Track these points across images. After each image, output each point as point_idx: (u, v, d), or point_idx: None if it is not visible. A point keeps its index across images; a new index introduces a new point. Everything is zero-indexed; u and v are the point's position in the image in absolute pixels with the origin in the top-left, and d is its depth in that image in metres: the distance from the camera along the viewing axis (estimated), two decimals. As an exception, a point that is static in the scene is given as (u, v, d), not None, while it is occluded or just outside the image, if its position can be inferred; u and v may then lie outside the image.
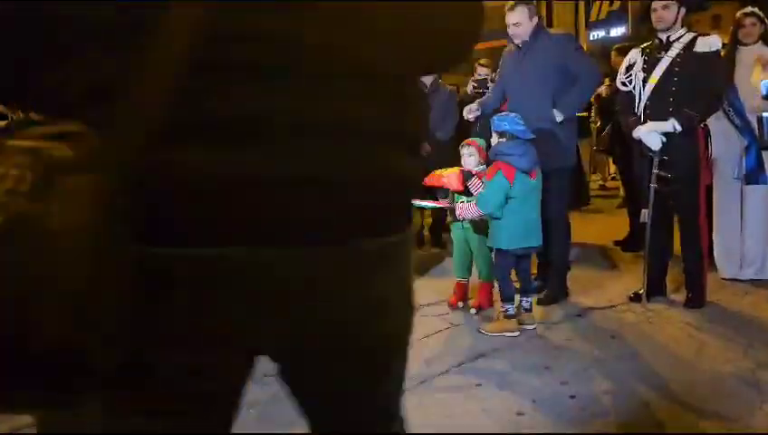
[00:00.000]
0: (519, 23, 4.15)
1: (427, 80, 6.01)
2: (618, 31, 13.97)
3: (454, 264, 4.49)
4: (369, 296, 0.91)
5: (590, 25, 15.48)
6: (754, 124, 4.34)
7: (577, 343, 3.64)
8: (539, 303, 4.22)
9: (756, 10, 4.57)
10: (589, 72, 4.18)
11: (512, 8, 4.18)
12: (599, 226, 5.49)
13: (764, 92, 3.13)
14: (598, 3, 15.85)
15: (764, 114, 2.71)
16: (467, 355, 3.56)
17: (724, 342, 3.52)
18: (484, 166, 4.05)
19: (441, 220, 6.01)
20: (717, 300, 4.20)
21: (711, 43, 3.92)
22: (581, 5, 17.81)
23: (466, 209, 3.93)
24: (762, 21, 4.49)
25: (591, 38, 15.42)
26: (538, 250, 4.00)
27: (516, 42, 4.26)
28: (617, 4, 15.26)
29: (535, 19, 4.20)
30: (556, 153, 4.11)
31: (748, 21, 4.51)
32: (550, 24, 21.89)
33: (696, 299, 4.09)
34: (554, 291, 4.33)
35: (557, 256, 4.39)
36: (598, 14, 15.69)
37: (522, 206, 3.76)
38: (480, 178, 3.98)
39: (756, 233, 4.57)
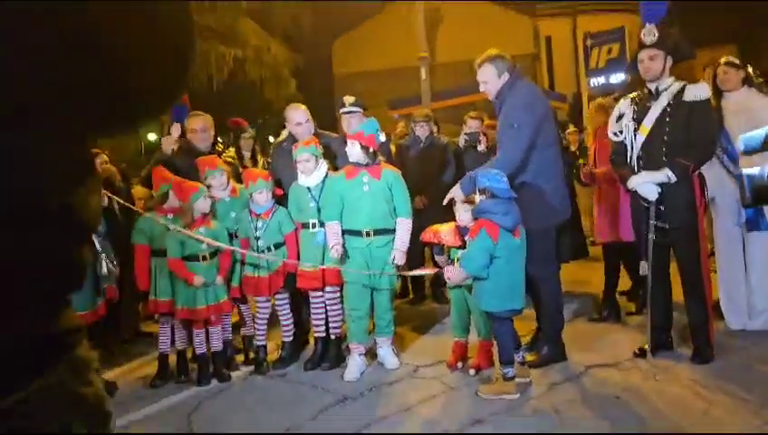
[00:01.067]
0: (486, 81, 4.14)
1: (423, 132, 6.04)
2: (617, 78, 14.07)
3: (452, 323, 4.37)
4: None
5: (590, 73, 15.64)
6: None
7: (579, 406, 3.48)
8: (534, 365, 4.06)
9: (731, 59, 4.58)
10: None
11: (479, 65, 4.17)
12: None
13: (743, 147, 3.03)
14: (596, 50, 16.07)
15: (744, 171, 2.61)
16: (465, 421, 3.41)
17: (733, 400, 3.34)
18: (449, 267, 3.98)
19: (441, 275, 5.90)
20: (726, 353, 4.03)
21: (700, 91, 3.88)
22: (581, 54, 18.12)
23: (454, 273, 3.82)
24: (739, 67, 4.49)
25: (592, 85, 15.58)
26: (520, 313, 3.86)
27: (490, 99, 4.25)
28: (615, 52, 15.43)
29: (505, 76, 4.11)
30: (539, 210, 4.00)
31: (721, 70, 4.54)
32: (551, 73, 22.33)
33: (702, 354, 3.92)
34: (549, 353, 4.17)
35: (547, 318, 4.23)
36: (597, 62, 15.85)
37: (506, 265, 3.65)
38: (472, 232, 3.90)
39: (763, 281, 4.42)
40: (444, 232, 4.06)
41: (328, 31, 21.78)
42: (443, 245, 4.10)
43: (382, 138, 4.48)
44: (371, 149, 4.31)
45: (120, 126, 0.77)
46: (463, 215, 4.06)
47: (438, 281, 6.17)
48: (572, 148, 8.39)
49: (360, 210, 4.26)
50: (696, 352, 3.96)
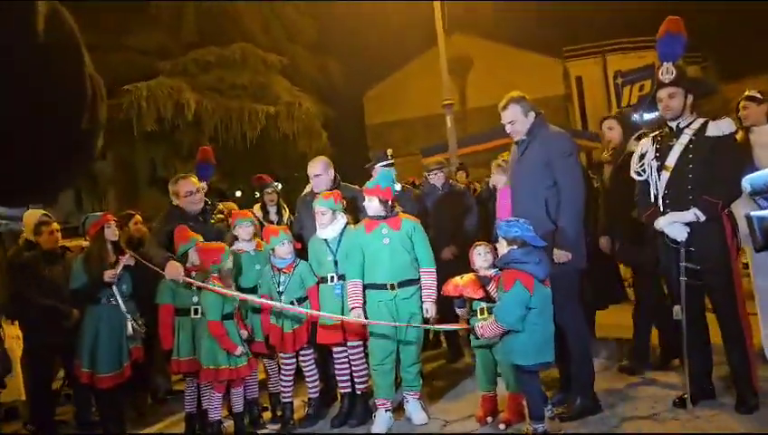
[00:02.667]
0: (513, 120, 4.09)
1: (438, 181, 5.95)
2: (650, 115, 13.86)
3: (478, 377, 4.23)
4: None
5: (623, 111, 15.50)
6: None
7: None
8: (567, 419, 3.87)
9: (753, 93, 4.47)
10: (570, 187, 3.91)
11: (504, 107, 4.13)
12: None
13: (749, 189, 2.87)
14: (628, 88, 15.96)
15: (753, 214, 2.46)
16: (492, 481, 3.25)
17: (782, 454, 3.11)
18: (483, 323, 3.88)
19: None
20: (773, 401, 3.77)
21: (723, 126, 3.74)
22: (612, 92, 18.01)
23: (488, 328, 3.66)
24: (762, 101, 4.38)
25: (625, 123, 15.38)
26: (551, 365, 3.71)
27: (515, 139, 4.18)
28: (647, 89, 15.31)
29: (531, 115, 4.09)
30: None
31: (741, 105, 4.46)
32: (583, 113, 22.19)
33: (747, 402, 3.68)
34: (582, 405, 3.95)
35: (576, 366, 4.01)
36: (629, 99, 15.73)
37: (539, 317, 3.52)
38: (496, 282, 3.80)
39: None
40: (464, 284, 3.96)
41: (358, 83, 22.23)
42: (464, 298, 4.00)
43: (398, 187, 4.48)
44: (389, 202, 4.30)
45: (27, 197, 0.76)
46: (480, 263, 3.98)
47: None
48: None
49: (382, 263, 4.20)
50: (740, 401, 3.72)
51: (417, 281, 4.29)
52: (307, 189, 5.21)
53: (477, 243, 4.17)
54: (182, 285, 4.39)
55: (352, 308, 4.22)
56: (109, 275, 4.40)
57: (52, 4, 0.69)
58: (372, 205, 4.27)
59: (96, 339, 4.34)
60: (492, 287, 3.82)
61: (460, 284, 3.98)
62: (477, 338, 3.86)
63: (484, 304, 4.03)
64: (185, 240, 4.46)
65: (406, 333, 4.25)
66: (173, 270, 4.28)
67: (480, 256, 4.05)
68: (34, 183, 0.74)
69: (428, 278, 4.27)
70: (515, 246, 3.60)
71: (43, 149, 0.68)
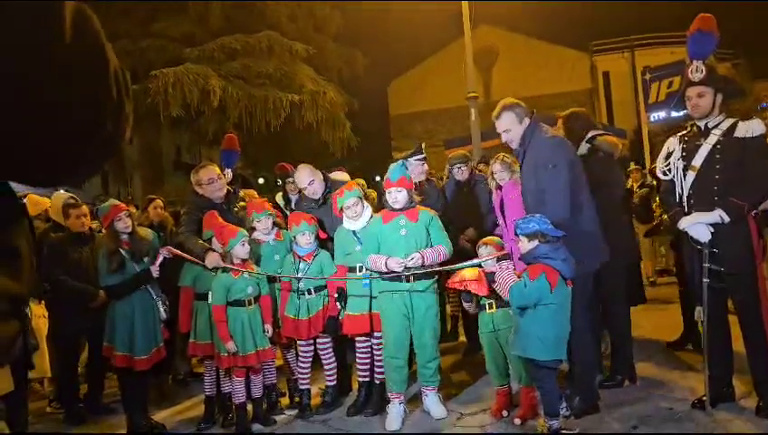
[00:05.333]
0: (508, 129, 3.99)
1: (462, 175, 5.87)
2: (678, 112, 13.64)
3: (489, 371, 4.23)
4: None
5: (650, 107, 15.23)
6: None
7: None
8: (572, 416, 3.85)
9: None
10: (550, 201, 3.79)
11: (497, 116, 4.03)
12: (656, 318, 5.09)
13: None
14: (656, 84, 15.70)
15: None
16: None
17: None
18: (509, 262, 3.88)
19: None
20: (795, 406, 3.73)
21: (753, 127, 3.67)
22: (640, 88, 17.75)
23: (504, 278, 3.66)
24: None
25: (652, 120, 15.17)
26: (562, 363, 3.70)
27: (513, 147, 4.09)
28: (676, 85, 15.02)
29: (526, 121, 3.97)
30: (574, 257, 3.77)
31: None
32: (609, 108, 21.93)
33: (767, 408, 3.65)
34: (582, 405, 3.92)
35: (580, 368, 3.98)
36: (657, 96, 15.47)
37: (558, 315, 3.52)
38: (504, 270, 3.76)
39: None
40: (470, 280, 3.95)
41: (383, 73, 22.20)
42: (470, 292, 4.00)
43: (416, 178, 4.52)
44: (413, 192, 4.33)
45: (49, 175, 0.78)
46: (485, 254, 3.97)
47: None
48: (634, 186, 8.15)
49: (398, 254, 4.18)
50: (761, 406, 3.69)
51: (432, 275, 4.29)
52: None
53: (484, 240, 4.17)
54: (223, 272, 4.43)
55: (388, 261, 4.12)
56: (154, 270, 4.48)
57: (78, 4, 0.70)
58: (401, 196, 4.26)
59: (131, 322, 4.40)
60: (503, 275, 3.75)
61: (466, 278, 3.98)
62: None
63: (492, 301, 4.06)
64: (210, 226, 4.52)
65: (422, 330, 4.24)
66: (213, 259, 4.34)
67: (485, 253, 4.06)
68: (56, 175, 0.76)
69: (435, 249, 4.18)
70: (538, 242, 3.59)
71: (62, 145, 0.70)
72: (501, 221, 4.90)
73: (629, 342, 4.58)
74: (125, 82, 0.76)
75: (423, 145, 5.33)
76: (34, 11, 0.64)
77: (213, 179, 4.75)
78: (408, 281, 4.21)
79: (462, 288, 3.98)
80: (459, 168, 5.84)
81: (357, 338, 4.57)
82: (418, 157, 5.17)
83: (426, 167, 5.38)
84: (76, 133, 0.71)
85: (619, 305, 4.56)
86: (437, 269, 4.29)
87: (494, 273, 3.76)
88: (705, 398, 3.82)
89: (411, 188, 4.32)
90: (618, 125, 19.39)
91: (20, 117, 0.66)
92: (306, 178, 4.90)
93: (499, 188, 4.91)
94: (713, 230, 3.69)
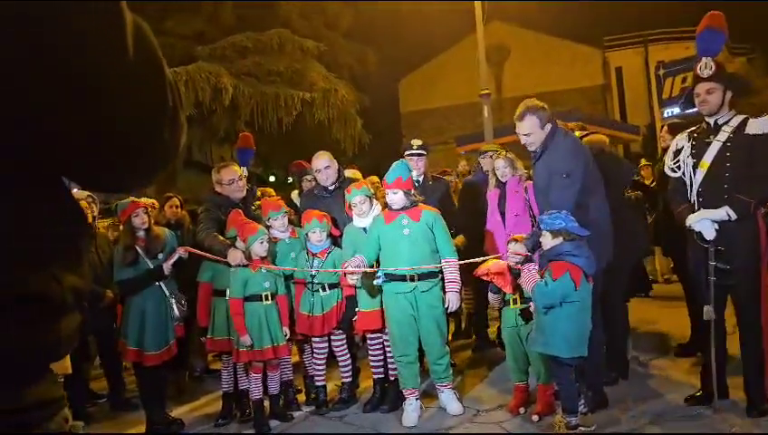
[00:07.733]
0: (529, 132, 3.96)
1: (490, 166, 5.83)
2: (685, 110, 13.53)
3: (509, 367, 4.28)
4: None
5: (664, 103, 15.12)
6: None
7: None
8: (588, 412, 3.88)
9: None
10: (555, 208, 3.76)
11: (520, 118, 3.98)
12: (670, 315, 5.09)
13: None
14: (670, 80, 15.59)
15: None
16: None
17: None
18: (533, 264, 3.90)
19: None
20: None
21: (764, 124, 3.66)
22: (653, 83, 17.61)
23: (527, 278, 3.71)
24: None
25: (666, 115, 15.04)
26: (584, 360, 3.74)
27: (531, 150, 4.06)
28: (690, 81, 14.88)
29: (548, 126, 3.93)
30: None
31: None
32: (622, 104, 21.77)
33: (757, 407, 3.69)
34: (592, 399, 3.92)
35: (589, 363, 3.90)
36: (671, 92, 15.37)
37: (582, 312, 3.57)
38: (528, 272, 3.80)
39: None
40: (495, 273, 4.00)
41: (394, 70, 22.18)
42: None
43: (414, 175, 4.57)
44: (412, 192, 4.33)
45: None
46: (512, 258, 3.99)
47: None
48: (647, 182, 8.11)
49: (402, 254, 4.21)
50: (751, 405, 3.71)
51: (437, 274, 4.32)
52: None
53: (514, 236, 4.19)
54: (222, 266, 4.51)
55: (345, 265, 4.24)
56: (167, 267, 4.54)
57: (136, 18, 0.74)
58: (396, 198, 4.28)
59: (143, 318, 4.48)
60: (527, 277, 3.79)
61: (492, 270, 4.02)
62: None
63: (516, 296, 4.10)
64: (233, 224, 4.59)
65: (428, 328, 4.27)
66: (236, 256, 4.39)
67: (512, 250, 4.08)
68: (122, 181, 0.83)
69: (451, 269, 4.26)
70: (562, 239, 3.62)
71: (129, 153, 0.76)
72: (497, 217, 4.90)
73: (624, 338, 4.61)
74: (178, 93, 0.81)
75: (413, 141, 5.22)
76: (103, 27, 0.68)
77: (234, 180, 4.81)
78: (411, 281, 4.24)
79: (488, 280, 4.02)
80: (491, 156, 5.48)
81: (369, 335, 4.62)
82: (410, 152, 5.11)
83: (425, 162, 5.30)
84: (140, 142, 0.77)
85: (616, 302, 4.58)
86: (462, 263, 4.36)
87: (519, 270, 3.81)
88: (699, 394, 3.93)
89: (409, 189, 4.31)
90: (631, 121, 19.27)
91: (92, 129, 0.71)
92: (324, 162, 4.94)
93: (500, 184, 4.92)
94: (717, 227, 3.68)
